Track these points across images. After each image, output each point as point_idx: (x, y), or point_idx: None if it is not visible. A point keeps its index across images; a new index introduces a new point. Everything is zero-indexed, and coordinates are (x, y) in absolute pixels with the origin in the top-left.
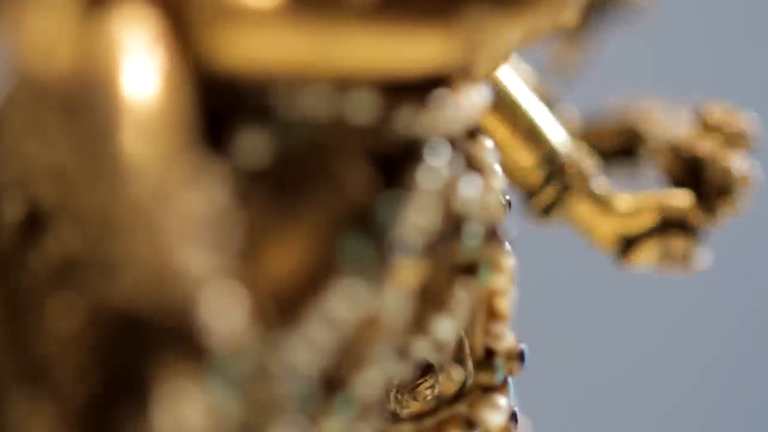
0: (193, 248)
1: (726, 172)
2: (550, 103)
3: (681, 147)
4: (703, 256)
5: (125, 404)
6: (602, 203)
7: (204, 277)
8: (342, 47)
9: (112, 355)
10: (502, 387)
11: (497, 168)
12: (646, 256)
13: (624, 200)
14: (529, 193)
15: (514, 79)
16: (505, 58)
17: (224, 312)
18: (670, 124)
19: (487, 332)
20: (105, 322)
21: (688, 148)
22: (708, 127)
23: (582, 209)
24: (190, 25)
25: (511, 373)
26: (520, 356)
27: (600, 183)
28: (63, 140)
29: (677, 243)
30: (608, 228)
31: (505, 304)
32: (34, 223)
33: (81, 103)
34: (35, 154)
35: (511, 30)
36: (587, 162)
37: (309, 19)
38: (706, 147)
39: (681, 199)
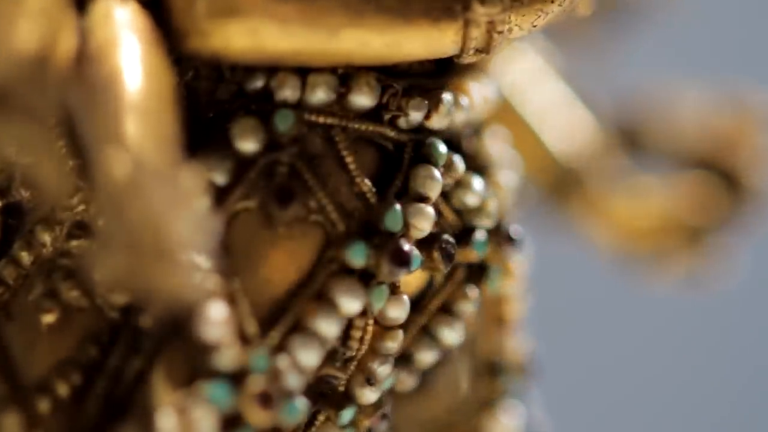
0: (194, 247)
1: (742, 166)
2: (575, 86)
3: (687, 152)
4: (727, 273)
5: (127, 417)
6: (619, 217)
7: (203, 278)
8: (340, 36)
9: (109, 363)
10: (507, 397)
11: (507, 166)
12: (670, 273)
13: (646, 215)
14: (541, 193)
15: (536, 62)
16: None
17: (224, 314)
18: (674, 121)
19: (493, 340)
20: (100, 323)
21: (696, 153)
22: (722, 112)
23: (598, 220)
24: (179, 15)
25: (517, 382)
26: (528, 365)
27: (618, 188)
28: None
29: (700, 259)
30: (629, 243)
31: (513, 311)
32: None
33: (82, 86)
34: (12, 156)
35: (518, 24)
36: (603, 163)
37: (306, 9)
38: (716, 149)
39: (703, 212)
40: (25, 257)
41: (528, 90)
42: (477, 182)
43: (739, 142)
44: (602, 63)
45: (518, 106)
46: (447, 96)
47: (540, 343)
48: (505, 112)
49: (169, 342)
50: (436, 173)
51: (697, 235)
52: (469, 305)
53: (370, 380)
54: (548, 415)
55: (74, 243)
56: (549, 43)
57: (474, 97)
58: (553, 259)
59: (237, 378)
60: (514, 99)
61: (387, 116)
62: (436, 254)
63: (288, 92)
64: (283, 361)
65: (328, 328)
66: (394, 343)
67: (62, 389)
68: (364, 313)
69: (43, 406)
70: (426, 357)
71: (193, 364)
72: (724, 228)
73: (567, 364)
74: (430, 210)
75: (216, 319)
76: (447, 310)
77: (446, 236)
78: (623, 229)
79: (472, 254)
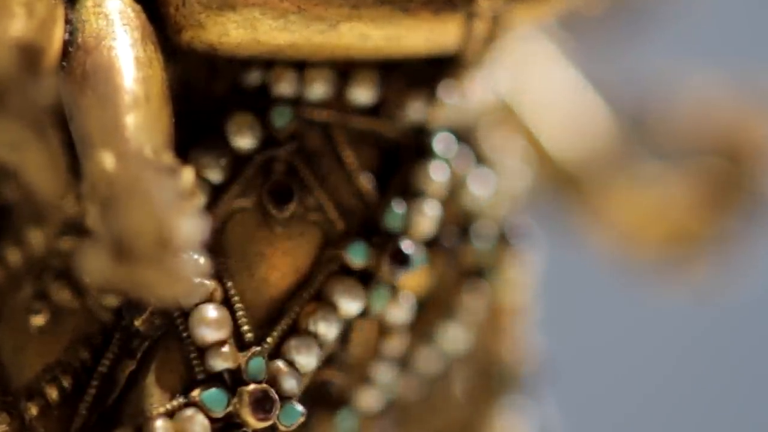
0: (190, 247)
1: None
2: (587, 73)
3: (695, 140)
4: (737, 280)
5: (119, 422)
6: (623, 225)
7: (199, 278)
8: (339, 29)
9: (101, 366)
10: (508, 403)
11: (513, 163)
12: (678, 281)
13: (651, 222)
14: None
15: (547, 48)
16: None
17: (220, 316)
18: (682, 109)
19: (494, 345)
20: (92, 326)
21: (703, 141)
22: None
23: (601, 228)
24: (174, 7)
25: (519, 388)
26: (539, 369)
27: (622, 187)
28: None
29: (708, 267)
30: (633, 252)
31: (517, 313)
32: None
33: (74, 79)
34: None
35: (523, 17)
36: (608, 158)
37: (305, 1)
38: (723, 137)
39: (710, 217)
40: (14, 257)
41: (537, 77)
42: (480, 180)
43: (747, 129)
44: (614, 51)
45: (518, 105)
46: (448, 92)
47: (551, 346)
48: (504, 112)
49: (163, 344)
50: (438, 171)
51: (704, 242)
52: (473, 307)
53: (370, 383)
54: (562, 419)
55: (66, 242)
56: (562, 31)
57: (476, 93)
58: (563, 261)
59: (232, 382)
60: (514, 98)
61: (387, 112)
62: (438, 254)
63: (285, 87)
64: (280, 364)
65: (328, 329)
66: (395, 346)
67: (52, 393)
68: (364, 315)
69: (33, 410)
70: (429, 361)
71: (188, 368)
72: (731, 232)
73: (577, 368)
74: (431, 209)
75: (211, 321)
76: (450, 313)
77: (448, 236)
78: (627, 238)
79: (476, 254)
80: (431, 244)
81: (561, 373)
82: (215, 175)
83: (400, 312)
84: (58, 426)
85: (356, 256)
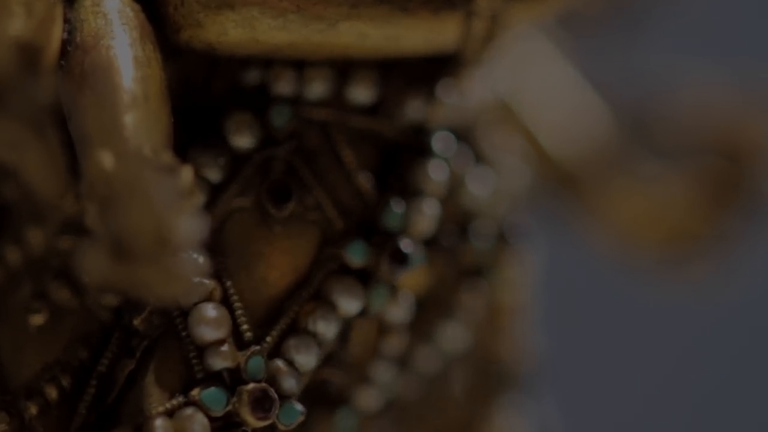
0: (189, 247)
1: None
2: (586, 72)
3: (695, 139)
4: (737, 280)
5: (118, 422)
6: (623, 225)
7: (198, 278)
8: (338, 29)
9: (100, 365)
10: (507, 404)
11: (513, 162)
12: (679, 280)
13: (651, 222)
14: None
15: (546, 47)
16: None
17: (219, 315)
18: (682, 107)
19: (494, 344)
20: (91, 325)
21: (703, 139)
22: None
23: (600, 228)
24: (173, 6)
25: (518, 388)
26: (538, 368)
27: (621, 187)
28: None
29: (708, 267)
30: (633, 251)
31: (516, 313)
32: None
33: (73, 78)
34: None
35: (522, 16)
36: (608, 157)
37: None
38: (723, 135)
39: (710, 217)
40: (14, 256)
41: (536, 76)
42: (479, 180)
43: (747, 129)
44: (614, 51)
45: (517, 104)
46: (447, 91)
47: (551, 346)
48: (503, 112)
49: (162, 344)
50: (437, 170)
51: (704, 242)
52: (472, 307)
53: (370, 383)
54: (562, 419)
55: (65, 242)
56: (561, 31)
57: (475, 92)
58: (563, 261)
59: (232, 381)
60: (513, 97)
61: (386, 112)
62: (437, 253)
63: (284, 86)
64: (279, 364)
65: (327, 328)
66: (394, 345)
67: (52, 393)
68: (363, 314)
69: (32, 410)
70: (428, 360)
71: (187, 367)
72: (731, 232)
73: (577, 368)
74: (430, 208)
75: (210, 320)
76: (449, 312)
77: (447, 235)
78: (627, 237)
79: (475, 254)
80: (430, 244)
81: (561, 373)
82: (214, 175)
83: (399, 311)
84: (58, 425)
85: (355, 255)
